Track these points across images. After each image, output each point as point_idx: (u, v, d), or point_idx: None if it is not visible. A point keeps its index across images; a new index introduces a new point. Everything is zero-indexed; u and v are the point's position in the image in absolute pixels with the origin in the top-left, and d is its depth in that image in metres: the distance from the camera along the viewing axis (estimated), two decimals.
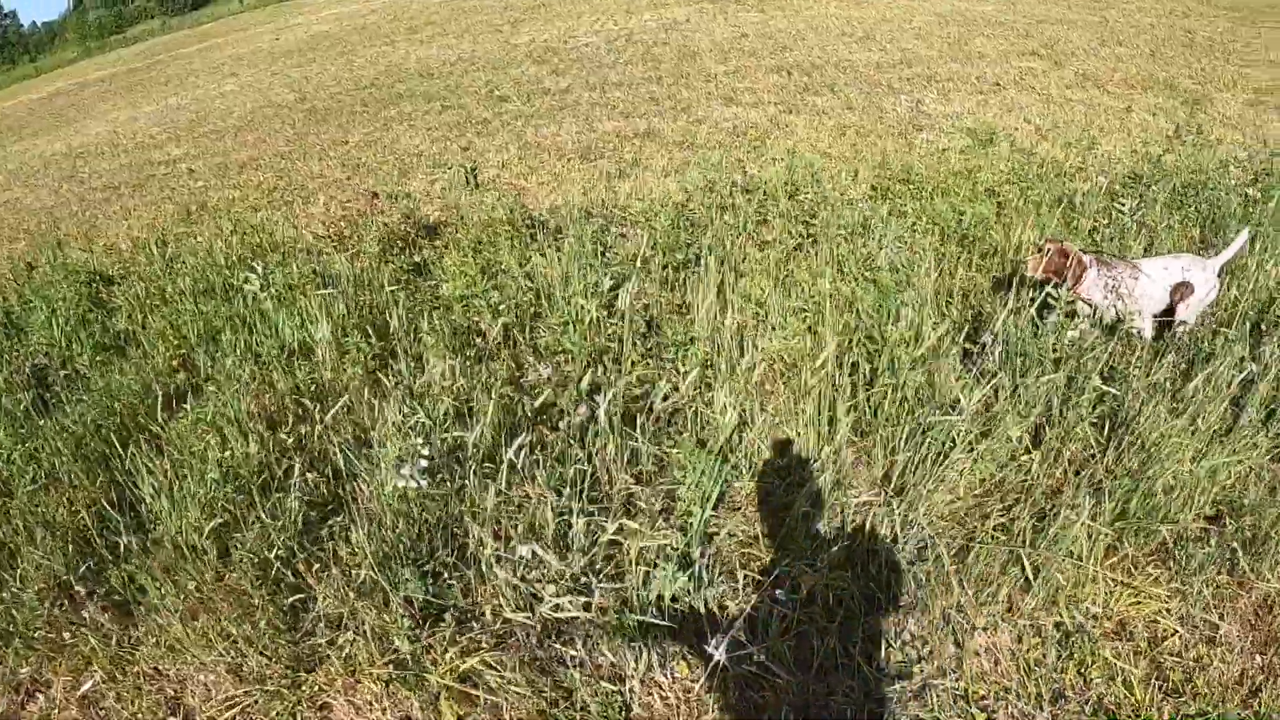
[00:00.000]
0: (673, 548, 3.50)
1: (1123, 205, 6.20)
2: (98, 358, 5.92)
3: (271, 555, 3.64)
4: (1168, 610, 3.55)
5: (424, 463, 3.74)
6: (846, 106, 10.82)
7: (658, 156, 9.26)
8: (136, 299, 6.52)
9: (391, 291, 5.68)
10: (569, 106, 11.88)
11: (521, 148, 10.05)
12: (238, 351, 5.31)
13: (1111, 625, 3.52)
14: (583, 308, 5.10)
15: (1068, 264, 4.85)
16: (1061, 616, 3.46)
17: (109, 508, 4.07)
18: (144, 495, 3.97)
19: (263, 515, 3.77)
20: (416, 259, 6.63)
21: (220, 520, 3.79)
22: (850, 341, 4.72)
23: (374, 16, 29.07)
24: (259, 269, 5.88)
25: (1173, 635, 3.44)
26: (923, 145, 9.12)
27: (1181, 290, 4.87)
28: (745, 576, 3.60)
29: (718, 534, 3.80)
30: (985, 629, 3.42)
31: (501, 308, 5.27)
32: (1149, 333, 4.96)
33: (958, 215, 6.44)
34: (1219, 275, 5.01)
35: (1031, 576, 3.46)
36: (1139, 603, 3.57)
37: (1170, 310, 4.94)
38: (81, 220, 11.04)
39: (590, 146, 9.84)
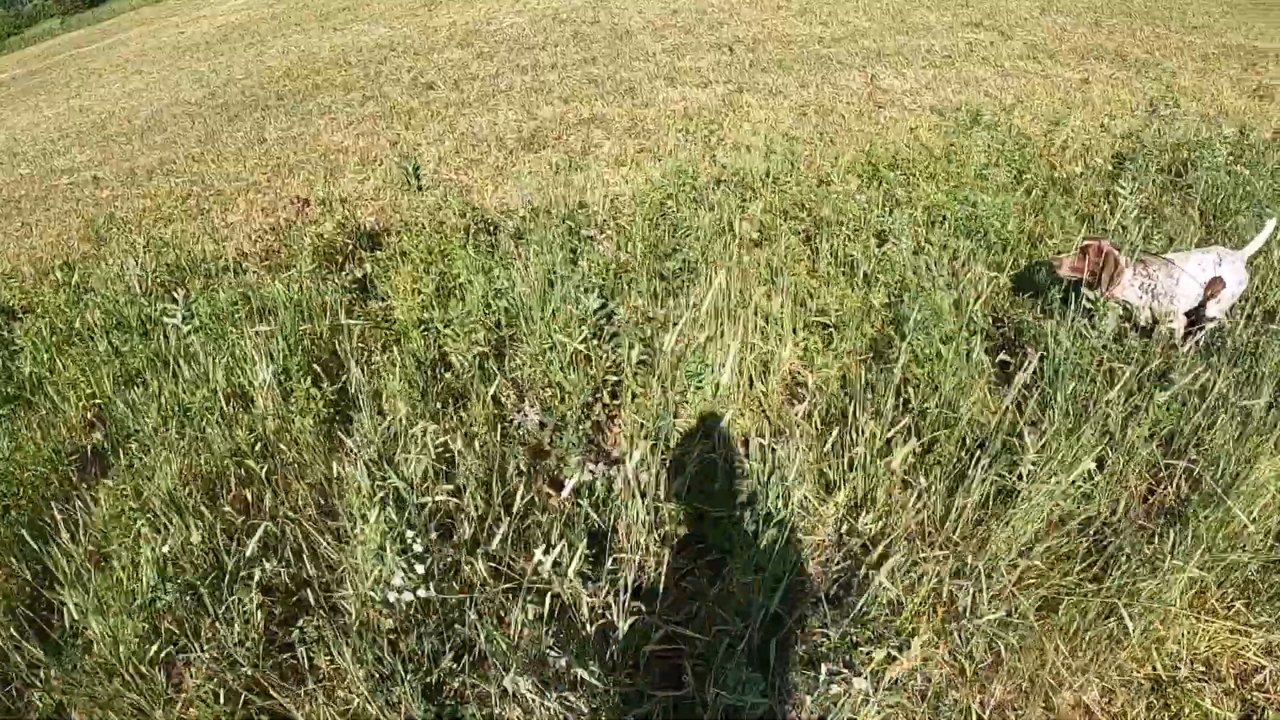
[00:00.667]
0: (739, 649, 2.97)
1: (1123, 188, 5.79)
2: (1, 411, 5.23)
3: (232, 678, 3.05)
4: (1252, 642, 3.18)
5: (417, 574, 3.13)
6: (800, 84, 10.32)
7: (607, 144, 8.68)
8: (41, 337, 5.81)
9: (333, 319, 5.07)
10: (502, 92, 11.20)
11: (458, 139, 9.38)
12: (162, 401, 4.65)
13: (1197, 666, 3.14)
14: (565, 331, 4.54)
15: (1103, 263, 4.46)
16: (1155, 666, 3.06)
17: (24, 622, 3.44)
18: (66, 602, 3.34)
19: (219, 625, 3.17)
20: (358, 274, 5.99)
21: (164, 639, 3.18)
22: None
23: (283, 4, 27.85)
24: (180, 298, 5.21)
25: (1261, 670, 3.11)
26: (890, 125, 8.69)
27: (1214, 286, 4.49)
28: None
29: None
30: (1074, 687, 3.00)
31: (470, 334, 4.67)
32: (1181, 333, 4.58)
33: (967, 205, 6.02)
34: (1247, 267, 4.65)
35: (1130, 627, 3.01)
36: (1220, 636, 3.19)
37: (1199, 308, 4.56)
38: None
39: (533, 135, 9.20)
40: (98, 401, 5.09)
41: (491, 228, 6.41)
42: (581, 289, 4.80)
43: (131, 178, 10.90)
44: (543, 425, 4.13)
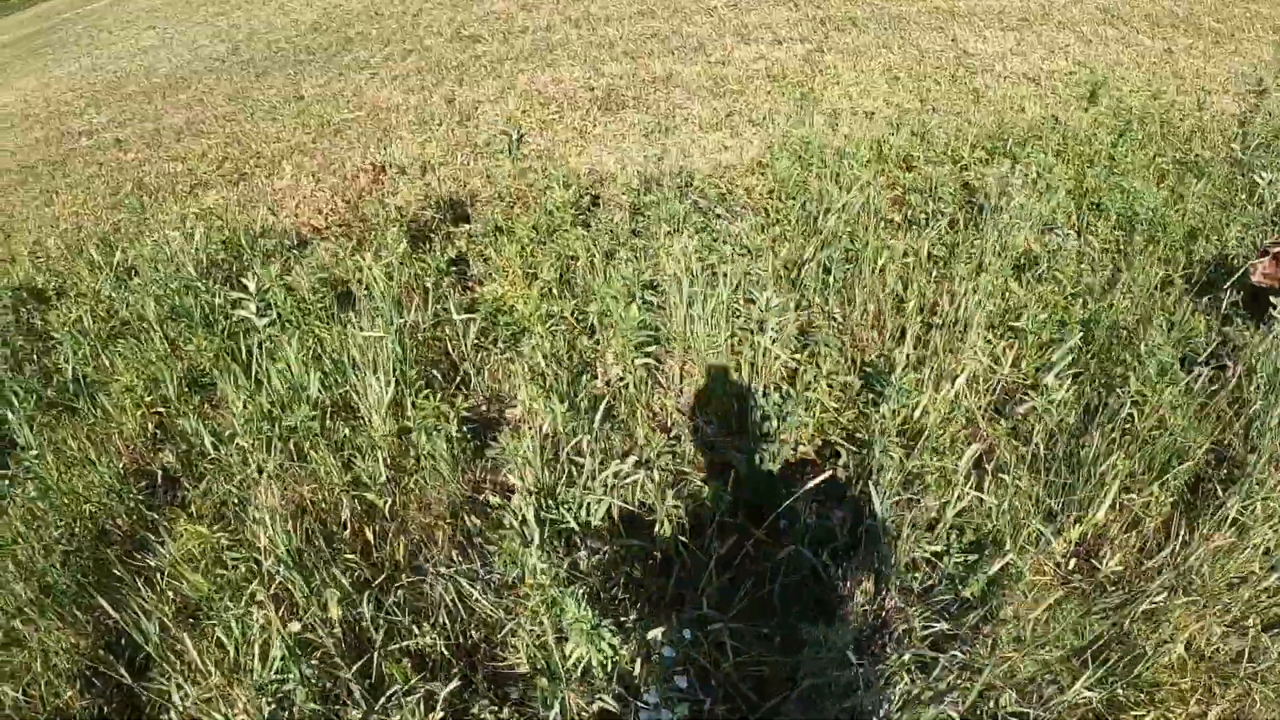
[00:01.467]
0: None
1: (1263, 177, 5.10)
2: (42, 419, 4.44)
3: None
4: None
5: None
6: (880, 44, 9.40)
7: (693, 107, 7.80)
8: (81, 328, 5.01)
9: (437, 309, 4.26)
10: (558, 46, 10.27)
11: (521, 97, 8.48)
12: (246, 410, 3.84)
13: None
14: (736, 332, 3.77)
15: None
16: None
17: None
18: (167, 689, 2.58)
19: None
20: (451, 253, 5.16)
21: None
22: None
23: None
24: (251, 283, 4.40)
25: None
26: (988, 94, 7.83)
27: None
28: None
29: None
30: None
31: (632, 336, 3.86)
32: None
33: (1127, 194, 5.29)
34: None
35: None
36: None
37: None
38: None
39: (607, 94, 8.31)
40: (158, 411, 4.30)
41: (593, 199, 5.59)
42: (750, 283, 3.98)
43: (157, 139, 10.04)
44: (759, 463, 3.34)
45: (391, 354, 3.71)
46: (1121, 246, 5.01)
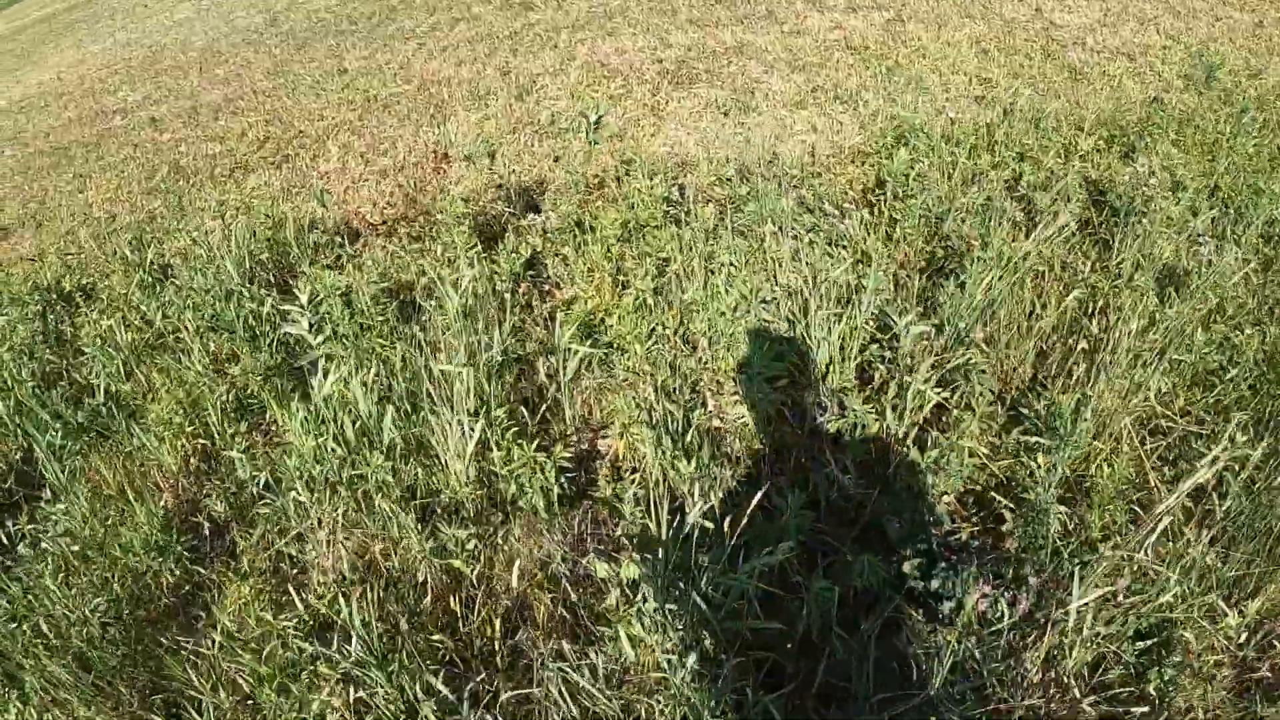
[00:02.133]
0: None
1: None
2: (73, 447, 3.91)
3: None
4: None
5: None
6: (962, 13, 8.61)
7: (771, 81, 7.09)
8: (113, 339, 4.47)
9: (515, 320, 3.66)
10: (617, 14, 9.55)
11: (582, 70, 7.82)
12: (303, 449, 3.25)
13: None
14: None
15: None
16: None
17: None
18: None
19: None
20: (524, 251, 4.55)
21: None
22: None
23: None
24: (304, 290, 3.82)
25: None
26: (1084, 70, 7.09)
27: None
28: None
29: None
30: None
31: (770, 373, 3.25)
32: None
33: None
34: None
35: None
36: None
37: None
38: (27, 195, 8.86)
39: (677, 67, 7.60)
40: (202, 442, 3.75)
41: (679, 189, 4.97)
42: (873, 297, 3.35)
43: (194, 117, 9.51)
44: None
45: (473, 388, 3.11)
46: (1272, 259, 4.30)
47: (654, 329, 3.66)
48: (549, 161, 5.93)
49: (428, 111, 7.43)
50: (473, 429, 2.92)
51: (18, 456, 4.19)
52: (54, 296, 5.41)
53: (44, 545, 3.28)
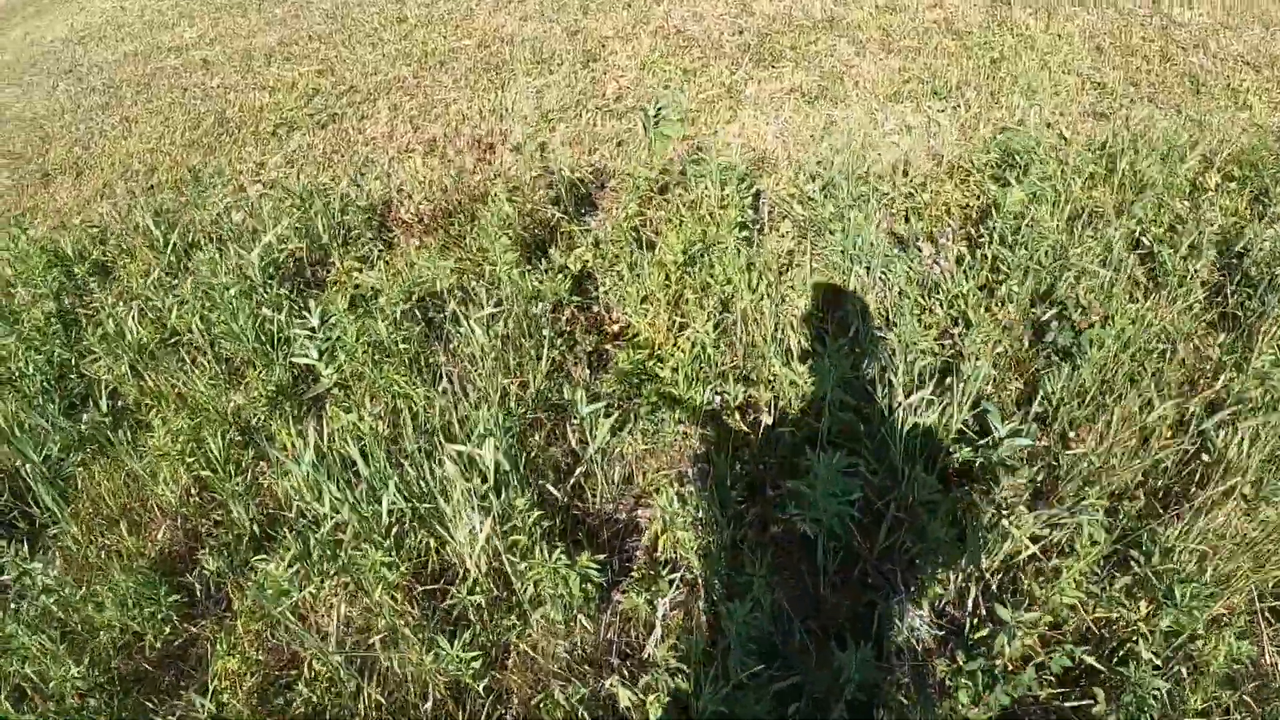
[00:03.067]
0: None
1: None
2: (71, 460, 3.53)
3: None
4: None
5: None
6: (1076, 2, 7.74)
7: (863, 65, 6.36)
8: (122, 332, 4.06)
9: (556, 353, 3.15)
10: None
11: (656, 36, 7.17)
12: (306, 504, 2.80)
13: None
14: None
15: None
16: None
17: None
18: None
19: None
20: (574, 266, 4.02)
21: None
22: None
23: None
24: (315, 313, 3.35)
25: None
26: (1210, 84, 6.24)
27: None
28: None
29: None
30: None
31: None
32: None
33: None
34: None
35: None
36: None
37: None
38: (73, 137, 8.50)
39: (760, 41, 6.81)
40: (202, 475, 3.32)
41: (754, 195, 4.39)
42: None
43: (246, 62, 9.06)
44: None
45: (493, 464, 2.60)
46: None
47: (713, 385, 3.13)
48: (611, 145, 5.36)
49: (486, 73, 6.87)
50: (483, 523, 2.42)
51: (16, 464, 3.82)
52: (72, 272, 5.03)
53: (22, 606, 2.89)
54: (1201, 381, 3.30)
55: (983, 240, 4.06)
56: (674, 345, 3.35)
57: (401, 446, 2.92)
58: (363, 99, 6.97)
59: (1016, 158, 4.64)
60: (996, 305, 3.72)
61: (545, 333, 3.36)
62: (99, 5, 15.91)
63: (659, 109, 4.66)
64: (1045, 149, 4.59)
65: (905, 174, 4.76)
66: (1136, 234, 4.11)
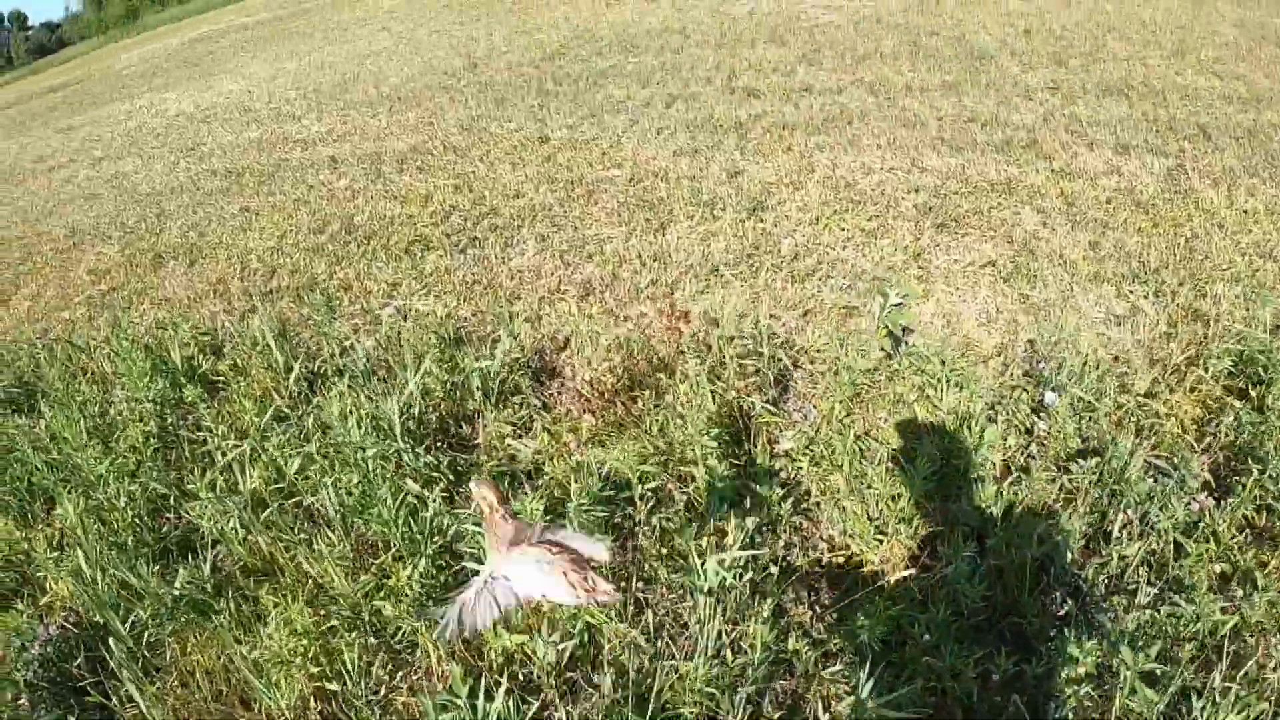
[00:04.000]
0: None
1: None
2: (157, 636, 2.92)
3: None
4: None
5: None
6: (1249, 172, 6.86)
7: (1052, 236, 5.71)
8: (243, 488, 3.46)
9: None
10: (855, 118, 8.27)
11: (823, 186, 6.58)
12: None
13: None
14: None
15: None
16: None
17: None
18: None
19: None
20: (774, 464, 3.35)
21: None
22: None
23: None
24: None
25: None
26: None
27: None
28: None
29: None
30: None
31: None
32: None
33: None
34: None
35: None
36: None
37: None
38: (190, 220, 8.19)
39: (939, 202, 6.21)
40: (328, 687, 2.66)
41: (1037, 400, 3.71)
42: None
43: (376, 165, 8.73)
44: None
45: None
46: None
47: None
48: (796, 314, 4.73)
49: (640, 210, 6.34)
50: None
51: (97, 619, 3.21)
52: (179, 382, 4.49)
53: None
54: None
55: (1239, 469, 3.43)
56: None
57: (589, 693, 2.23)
58: (505, 224, 6.47)
59: (1256, 366, 4.04)
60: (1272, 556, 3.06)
61: (771, 571, 2.67)
62: (226, 86, 16.09)
63: (902, 330, 4.03)
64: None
65: (1119, 370, 4.09)
66: None
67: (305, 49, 18.75)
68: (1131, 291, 5.02)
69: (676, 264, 5.39)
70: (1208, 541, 3.13)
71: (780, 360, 4.20)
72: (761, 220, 5.98)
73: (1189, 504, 3.23)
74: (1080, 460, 3.42)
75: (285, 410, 4.19)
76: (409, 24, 18.59)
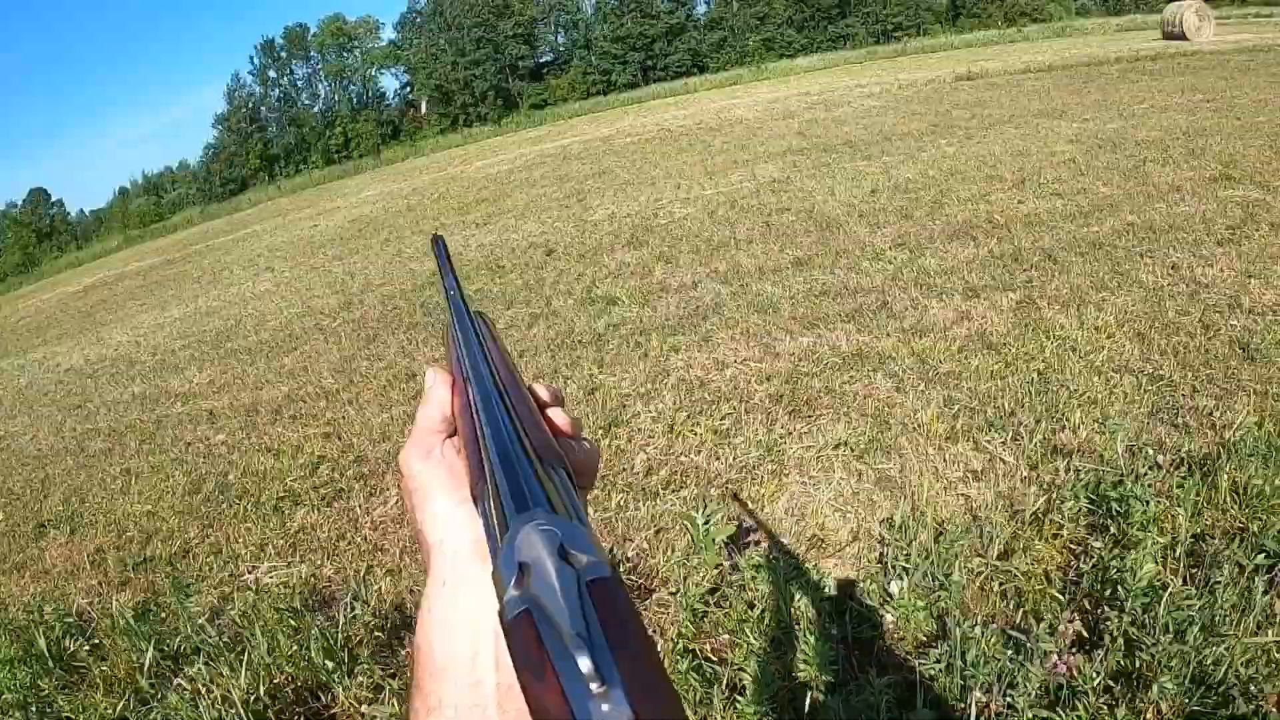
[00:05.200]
0: None
1: None
2: None
3: None
4: None
5: None
6: (1095, 285, 7.42)
7: (905, 400, 6.02)
8: None
9: None
10: (711, 311, 8.67)
11: (678, 391, 6.86)
12: None
13: None
14: None
15: None
16: None
17: None
18: None
19: None
20: None
21: None
22: None
23: (416, 197, 26.66)
24: None
25: None
26: (1262, 343, 5.93)
27: None
28: None
29: None
30: None
31: None
32: None
33: None
34: None
35: None
36: None
37: None
38: (72, 485, 8.18)
39: (791, 387, 6.49)
40: None
41: (830, 614, 3.87)
42: None
43: (253, 417, 8.85)
44: None
45: None
46: None
47: None
48: (649, 533, 4.90)
49: None
50: None
51: None
52: (41, 675, 4.46)
53: None
54: None
55: (1104, 617, 3.48)
56: None
57: None
58: (371, 470, 6.61)
59: (1109, 501, 4.18)
60: (1147, 706, 3.08)
61: None
62: (116, 337, 16.25)
63: (707, 520, 4.24)
64: (1143, 488, 4.12)
65: (983, 534, 4.25)
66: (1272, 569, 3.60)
67: (192, 294, 19.04)
68: (989, 441, 5.25)
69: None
70: (1073, 708, 3.10)
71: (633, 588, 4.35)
72: (616, 437, 6.21)
73: (1054, 667, 3.29)
74: (932, 647, 3.50)
75: (147, 694, 4.19)
76: (290, 263, 19.06)
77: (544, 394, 0.78)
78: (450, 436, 0.75)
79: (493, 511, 0.53)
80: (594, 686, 0.36)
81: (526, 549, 0.45)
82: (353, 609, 4.30)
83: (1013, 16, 71.05)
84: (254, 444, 7.98)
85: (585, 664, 0.37)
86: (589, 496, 0.74)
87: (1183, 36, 33.88)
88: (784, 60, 68.39)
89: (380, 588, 4.75)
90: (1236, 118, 14.75)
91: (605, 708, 0.36)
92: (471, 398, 0.69)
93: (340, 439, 7.40)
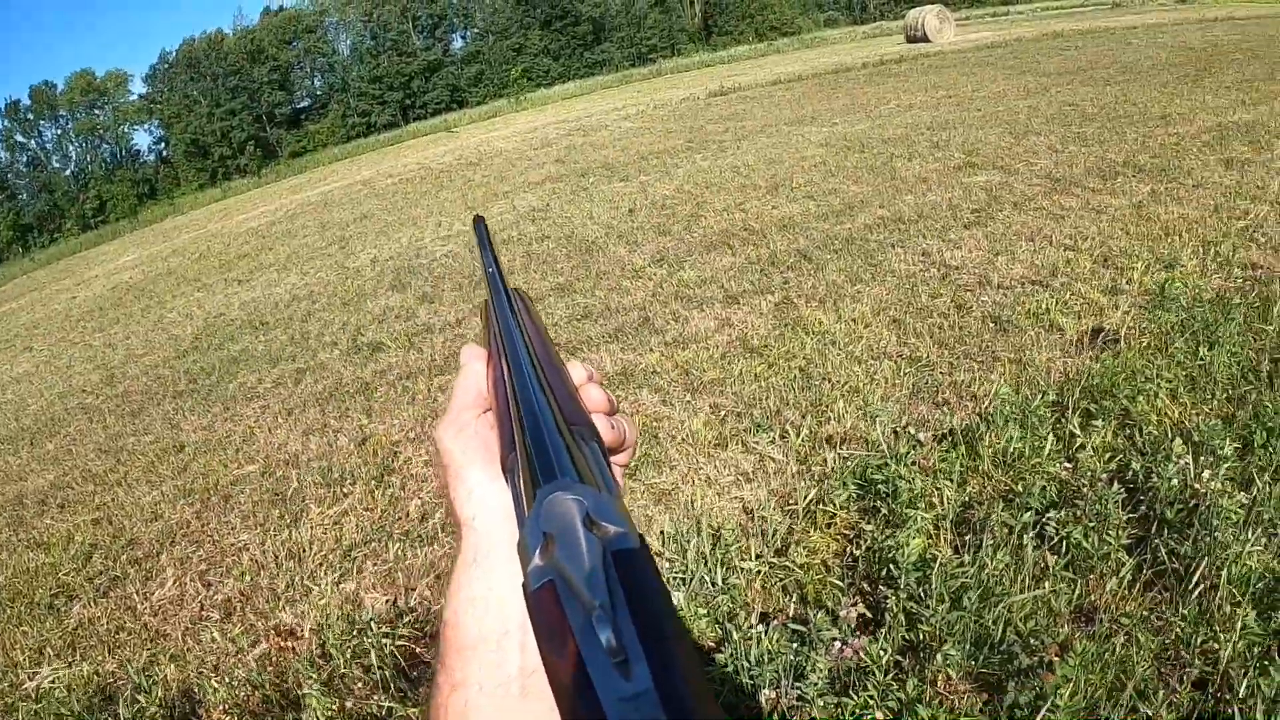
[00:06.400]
0: None
1: None
2: None
3: None
4: None
5: None
6: (850, 279, 8.25)
7: (673, 413, 6.46)
8: None
9: None
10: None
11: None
12: None
13: None
14: None
15: None
16: None
17: None
18: None
19: None
20: None
21: None
22: None
23: (176, 258, 25.73)
24: None
25: None
26: (1014, 316, 6.81)
27: None
28: None
29: None
30: None
31: None
32: None
33: None
34: None
35: None
36: None
37: None
38: None
39: None
40: None
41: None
42: None
43: (19, 512, 8.58)
44: None
45: None
46: None
47: None
48: (429, 579, 5.20)
49: (275, 506, 6.70)
50: None
51: None
52: None
53: None
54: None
55: (883, 596, 3.79)
56: None
57: None
58: (145, 554, 6.63)
59: (875, 484, 4.51)
60: (935, 674, 3.39)
61: None
62: None
63: None
64: (907, 467, 4.48)
65: (763, 534, 4.61)
66: (1039, 525, 4.03)
67: None
68: (757, 442, 5.72)
69: (311, 557, 5.77)
70: (865, 689, 3.27)
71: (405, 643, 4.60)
72: (390, 485, 6.48)
73: (841, 652, 3.44)
74: (719, 652, 3.64)
75: None
76: (50, 339, 18.13)
77: (580, 372, 0.80)
78: (485, 412, 0.77)
79: (522, 482, 0.54)
80: (615, 660, 0.36)
81: (552, 518, 0.45)
82: (136, 702, 4.43)
83: (764, 32, 74.82)
84: (22, 540, 7.78)
85: (607, 637, 0.37)
86: (623, 466, 0.81)
87: (926, 39, 36.75)
88: (541, 89, 69.47)
89: (165, 675, 4.87)
90: (977, 109, 16.31)
91: (626, 683, 0.36)
92: (505, 369, 0.71)
93: (111, 523, 7.35)
